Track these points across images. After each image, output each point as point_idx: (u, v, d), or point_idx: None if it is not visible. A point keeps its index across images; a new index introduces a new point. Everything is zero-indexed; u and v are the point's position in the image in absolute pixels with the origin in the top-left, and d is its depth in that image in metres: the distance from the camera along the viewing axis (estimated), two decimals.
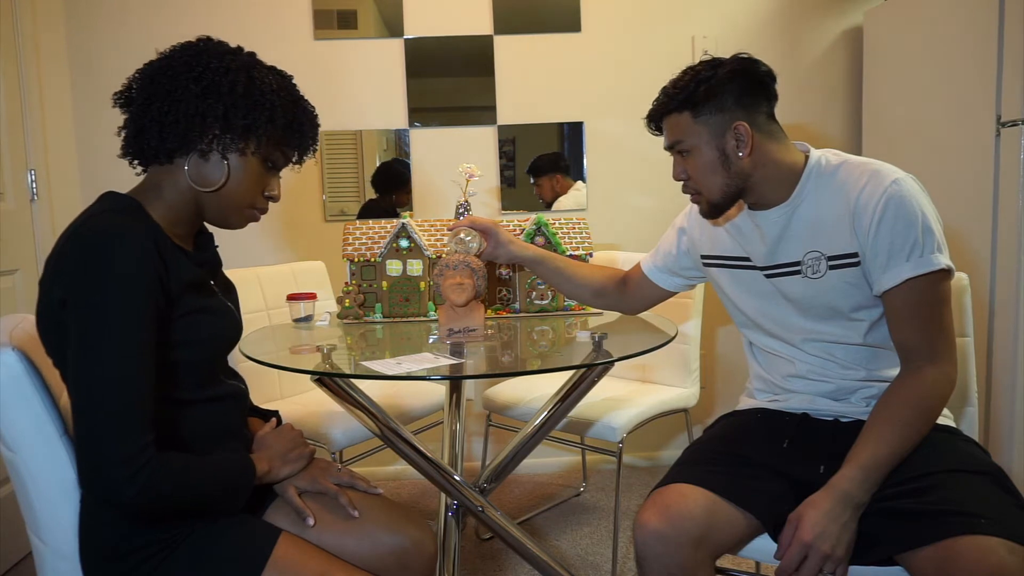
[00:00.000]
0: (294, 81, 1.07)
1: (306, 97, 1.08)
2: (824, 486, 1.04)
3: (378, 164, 2.61)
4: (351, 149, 2.59)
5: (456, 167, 1.73)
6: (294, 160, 1.10)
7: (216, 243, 1.13)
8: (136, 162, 1.02)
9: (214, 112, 0.97)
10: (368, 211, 2.60)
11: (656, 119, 1.24)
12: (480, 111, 2.61)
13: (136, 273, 0.87)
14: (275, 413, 1.25)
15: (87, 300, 0.86)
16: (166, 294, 0.92)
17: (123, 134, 1.01)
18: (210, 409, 1.03)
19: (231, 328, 1.09)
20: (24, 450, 0.97)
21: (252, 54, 1.04)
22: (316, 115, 1.09)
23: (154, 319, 0.90)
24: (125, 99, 1.00)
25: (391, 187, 2.62)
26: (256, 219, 1.09)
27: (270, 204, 1.10)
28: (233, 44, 1.05)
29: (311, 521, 1.07)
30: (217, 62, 0.98)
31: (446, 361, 1.28)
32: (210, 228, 1.12)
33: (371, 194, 2.61)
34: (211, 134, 0.98)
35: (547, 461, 2.79)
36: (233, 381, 1.12)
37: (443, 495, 1.63)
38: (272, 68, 1.05)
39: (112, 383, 0.85)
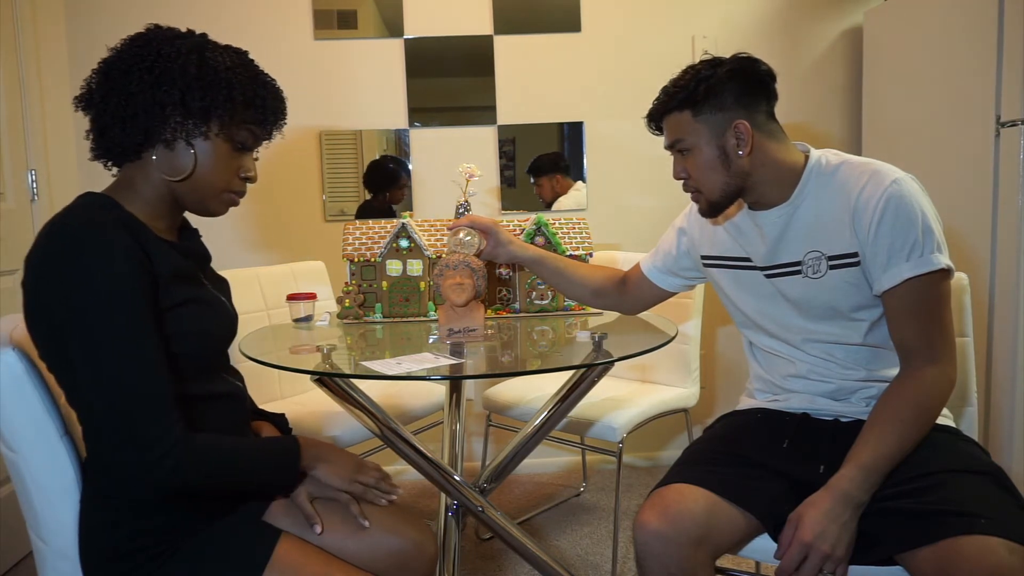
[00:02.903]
0: (251, 57, 1.05)
1: (277, 80, 1.06)
2: (824, 486, 1.04)
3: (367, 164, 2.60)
4: (351, 149, 2.59)
5: (456, 167, 1.73)
6: (262, 137, 1.07)
7: (200, 235, 1.12)
8: (109, 163, 1.01)
9: (171, 99, 0.95)
10: (364, 212, 2.60)
11: (656, 118, 1.24)
12: (480, 111, 2.61)
13: (119, 262, 0.87)
14: (282, 416, 1.24)
15: (76, 297, 0.86)
16: (153, 281, 0.92)
17: (90, 136, 0.99)
18: (208, 407, 1.02)
19: (224, 319, 1.08)
20: (24, 450, 0.97)
21: (204, 35, 1.02)
22: (278, 89, 1.06)
23: (149, 305, 0.90)
24: (86, 101, 0.98)
25: (383, 185, 2.61)
26: (235, 203, 1.07)
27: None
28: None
29: (319, 529, 1.06)
30: (168, 47, 0.96)
31: (446, 361, 1.28)
32: (196, 223, 1.11)
33: (367, 195, 2.61)
34: (172, 122, 0.96)
35: (547, 461, 2.79)
36: (231, 380, 1.11)
37: (443, 495, 1.63)
38: (227, 47, 1.02)
39: (122, 371, 0.85)
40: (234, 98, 0.98)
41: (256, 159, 1.09)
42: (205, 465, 0.91)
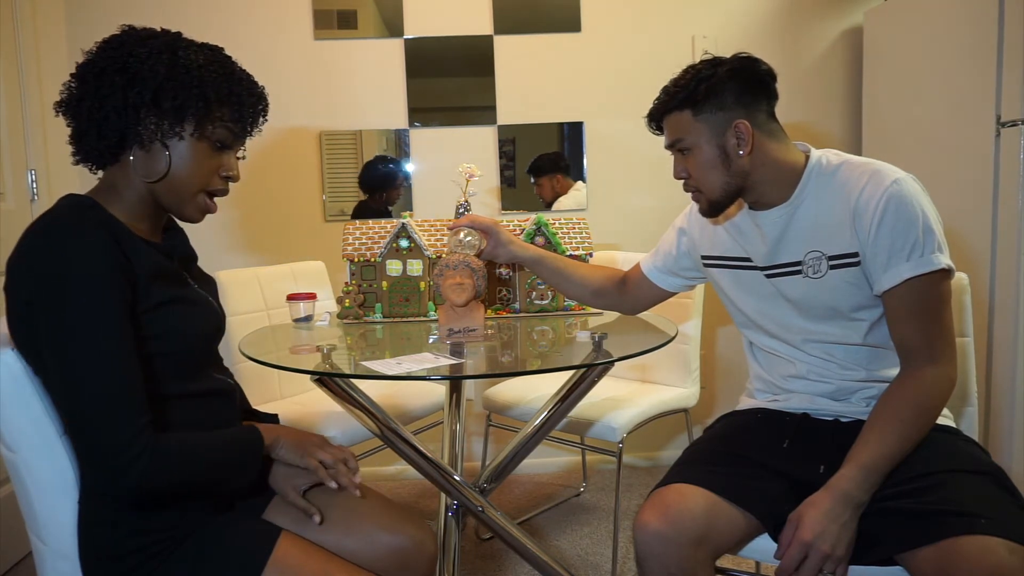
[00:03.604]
0: (227, 53, 1.03)
1: (250, 73, 1.04)
2: (824, 486, 1.04)
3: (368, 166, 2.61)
4: (351, 149, 2.59)
5: (456, 167, 1.73)
6: (241, 135, 1.05)
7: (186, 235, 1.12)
8: (92, 166, 1.01)
9: (142, 100, 0.94)
10: (360, 212, 2.60)
11: (657, 118, 1.24)
12: (480, 111, 2.61)
13: (94, 264, 0.87)
14: (274, 417, 1.24)
15: (51, 297, 0.85)
16: (131, 284, 0.91)
17: (70, 141, 0.99)
18: (195, 405, 1.02)
19: (209, 318, 1.07)
20: (24, 450, 0.97)
21: (177, 34, 1.00)
22: (256, 84, 1.04)
23: (123, 306, 0.89)
24: (64, 106, 0.98)
25: (378, 186, 2.62)
26: (212, 209, 1.05)
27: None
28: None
29: (318, 518, 1.06)
30: (140, 48, 0.95)
31: (446, 361, 1.28)
32: (184, 226, 1.11)
33: (363, 195, 2.62)
34: (147, 123, 0.95)
35: (547, 461, 2.79)
36: (221, 377, 1.11)
37: (443, 495, 1.63)
38: (202, 44, 1.01)
39: (92, 375, 0.85)
40: (207, 96, 0.97)
41: (242, 158, 1.07)
42: (175, 466, 0.90)
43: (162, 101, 0.95)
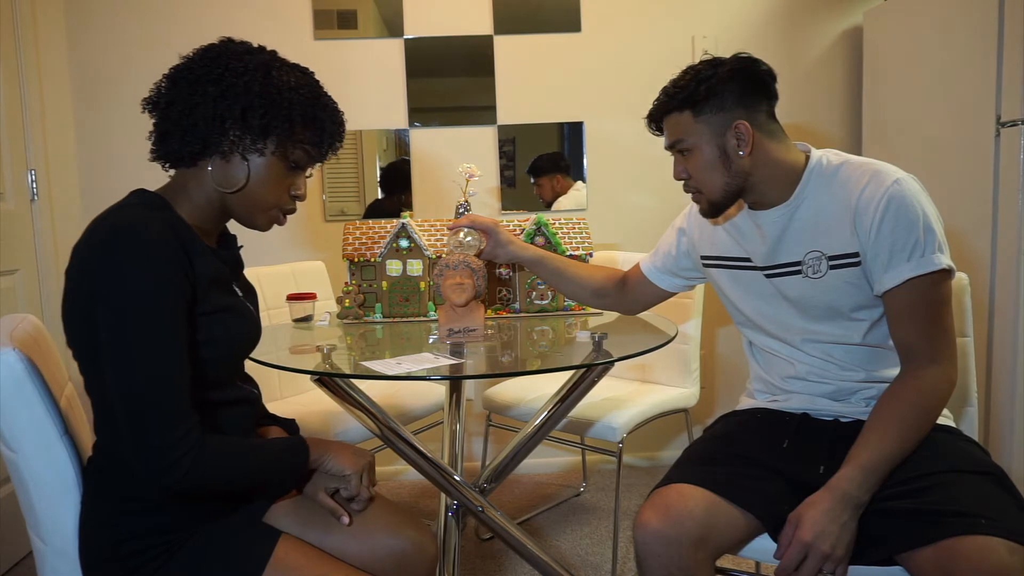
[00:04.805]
0: (316, 78, 1.06)
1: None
2: (824, 486, 1.04)
3: (381, 164, 2.61)
4: (351, 149, 2.59)
5: (456, 167, 1.73)
6: (317, 158, 1.08)
7: (240, 243, 1.13)
8: (166, 165, 1.03)
9: (231, 113, 0.97)
10: (374, 211, 2.60)
11: (657, 119, 1.24)
12: (480, 111, 2.61)
13: (159, 263, 0.88)
14: (292, 422, 1.24)
15: (116, 292, 0.86)
16: (192, 287, 0.93)
17: (152, 138, 1.01)
18: (224, 412, 1.03)
19: (251, 330, 1.09)
20: (24, 450, 0.97)
21: (273, 52, 1.03)
22: (339, 112, 1.08)
23: (183, 309, 0.91)
24: (152, 104, 1.00)
25: (398, 187, 2.62)
26: (281, 221, 1.08)
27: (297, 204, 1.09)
28: None
29: (346, 520, 1.07)
30: (236, 63, 0.98)
31: (446, 361, 1.28)
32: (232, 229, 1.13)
33: (375, 194, 2.61)
34: (231, 136, 0.98)
35: (547, 461, 2.79)
36: (247, 386, 1.12)
37: (443, 495, 1.63)
38: (294, 66, 1.04)
39: (148, 372, 0.86)
40: (293, 118, 1.00)
41: (310, 176, 1.10)
42: (218, 468, 0.92)
43: (250, 117, 0.97)
